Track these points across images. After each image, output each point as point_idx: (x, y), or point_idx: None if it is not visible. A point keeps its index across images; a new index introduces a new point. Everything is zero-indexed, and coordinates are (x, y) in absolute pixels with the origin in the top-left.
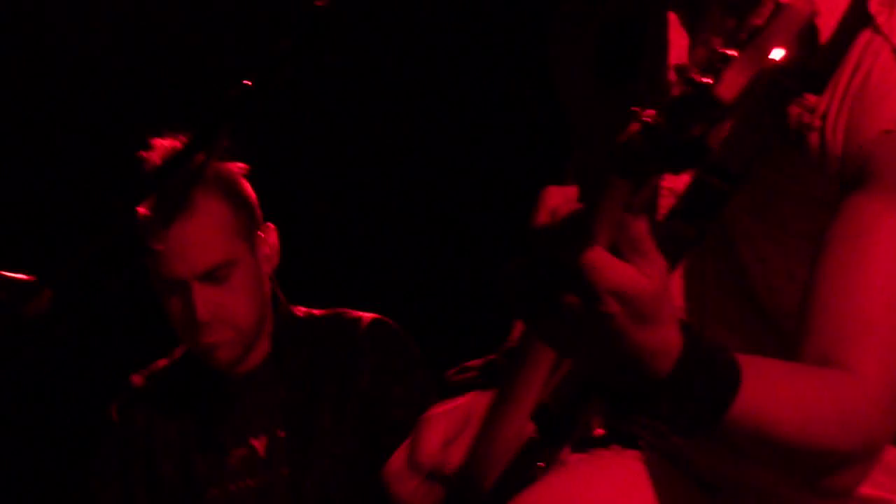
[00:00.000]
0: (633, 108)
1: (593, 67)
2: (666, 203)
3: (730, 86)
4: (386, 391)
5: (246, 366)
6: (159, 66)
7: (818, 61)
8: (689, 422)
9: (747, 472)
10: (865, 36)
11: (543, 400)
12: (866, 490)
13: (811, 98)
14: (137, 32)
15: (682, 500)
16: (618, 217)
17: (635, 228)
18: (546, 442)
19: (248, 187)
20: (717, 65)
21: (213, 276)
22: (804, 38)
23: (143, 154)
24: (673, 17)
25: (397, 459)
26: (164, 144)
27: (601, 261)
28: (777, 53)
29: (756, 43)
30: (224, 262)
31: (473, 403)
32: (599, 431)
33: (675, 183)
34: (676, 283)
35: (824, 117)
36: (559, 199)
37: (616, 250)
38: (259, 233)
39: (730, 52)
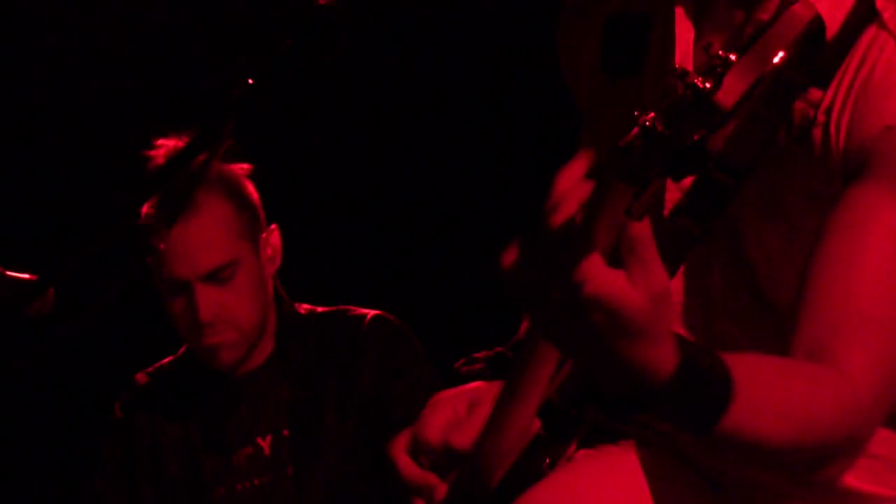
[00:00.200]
0: (633, 112)
1: (599, 61)
2: (671, 198)
3: (729, 92)
4: (389, 388)
5: (250, 365)
6: (163, 65)
7: (824, 57)
8: (676, 434)
9: (742, 471)
10: (871, 31)
11: (549, 396)
12: (871, 486)
13: (816, 93)
14: (140, 31)
15: (688, 497)
16: (618, 220)
17: (636, 233)
18: (552, 439)
19: (251, 188)
20: (717, 69)
21: (216, 276)
22: (810, 36)
23: (147, 153)
24: (679, 11)
25: (402, 439)
26: (168, 144)
27: (593, 271)
28: (777, 58)
29: (756, 48)
30: (227, 262)
31: (480, 390)
32: (605, 425)
33: None
34: (681, 278)
35: (828, 112)
36: (568, 183)
37: (616, 254)
38: (262, 234)
39: (730, 56)
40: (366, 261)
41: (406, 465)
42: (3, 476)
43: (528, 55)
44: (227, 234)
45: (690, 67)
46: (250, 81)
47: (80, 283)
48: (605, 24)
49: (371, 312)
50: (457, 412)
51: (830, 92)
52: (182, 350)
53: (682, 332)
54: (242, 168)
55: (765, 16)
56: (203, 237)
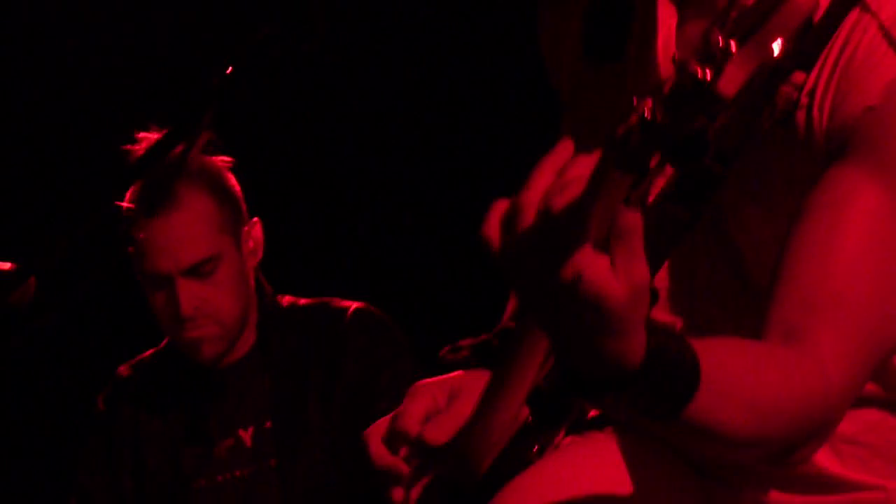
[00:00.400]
0: (628, 99)
1: (581, 44)
2: (656, 184)
3: (730, 81)
4: (372, 380)
5: (232, 357)
6: (141, 55)
7: (809, 40)
8: (642, 418)
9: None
10: (854, 14)
11: (538, 384)
12: (860, 475)
13: (800, 76)
14: (117, 21)
15: (674, 481)
16: (611, 209)
17: (628, 223)
18: (540, 426)
19: (233, 181)
20: (717, 57)
21: (198, 270)
22: (805, 23)
23: (128, 147)
24: None
25: (379, 425)
26: (150, 137)
27: (584, 260)
28: (778, 48)
29: (757, 37)
30: (209, 256)
31: (460, 380)
32: (594, 413)
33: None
34: (666, 263)
35: (811, 94)
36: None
37: (604, 242)
38: (244, 227)
39: (730, 43)
40: (348, 252)
41: (377, 450)
42: None
43: (507, 43)
44: (209, 228)
45: (674, 52)
46: (229, 70)
47: (61, 272)
48: (587, 9)
49: (354, 304)
50: (436, 402)
51: (814, 74)
52: (164, 342)
53: (666, 316)
54: (224, 161)
55: (748, 1)
56: (185, 231)
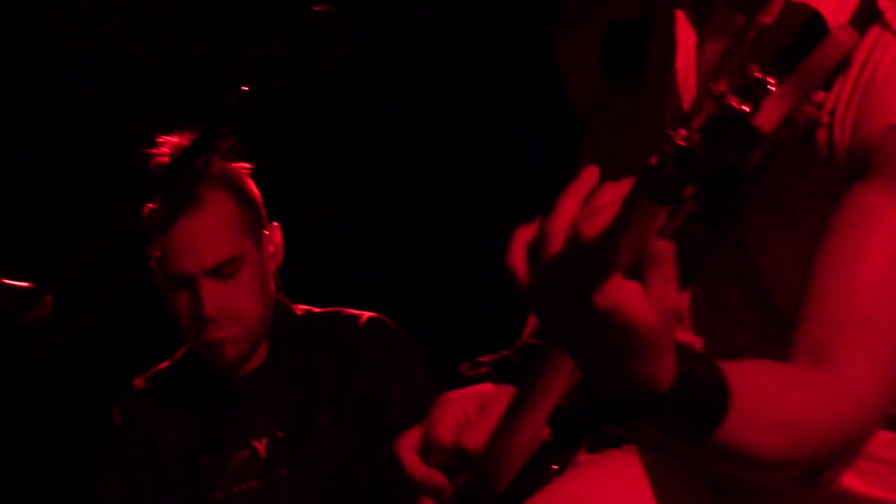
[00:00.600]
0: (662, 128)
1: (600, 66)
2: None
3: (769, 117)
4: (384, 390)
5: (247, 367)
6: (161, 68)
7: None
8: (679, 436)
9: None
10: (874, 32)
11: (560, 403)
12: (881, 493)
13: (820, 94)
14: (139, 34)
15: (692, 500)
16: (641, 238)
17: (661, 249)
18: (561, 445)
19: (252, 186)
20: (753, 91)
21: (221, 271)
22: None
23: (150, 151)
24: (680, 15)
25: (411, 436)
26: (172, 141)
27: (614, 287)
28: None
29: (797, 74)
30: (232, 257)
31: (489, 392)
32: (611, 431)
33: None
34: None
35: (832, 113)
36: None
37: (633, 269)
38: (264, 230)
39: (768, 79)
40: (363, 263)
41: (413, 462)
42: (4, 483)
43: (525, 61)
44: (232, 229)
45: (693, 73)
46: (245, 88)
47: (78, 290)
48: (606, 30)
49: (366, 314)
50: (467, 412)
51: (834, 93)
52: (179, 353)
53: (688, 336)
54: (244, 167)
55: (767, 19)
56: (208, 232)
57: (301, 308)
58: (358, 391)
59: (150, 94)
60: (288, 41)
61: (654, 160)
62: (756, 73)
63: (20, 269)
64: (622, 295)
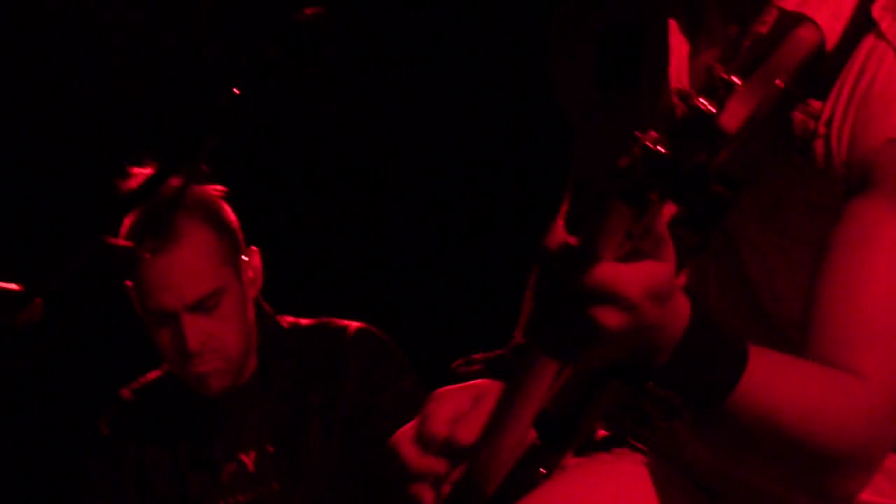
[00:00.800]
0: (632, 130)
1: (592, 72)
2: (667, 210)
3: (733, 116)
4: (373, 400)
5: (235, 381)
6: (146, 77)
7: (823, 68)
8: (700, 393)
9: (749, 470)
10: (869, 41)
11: (545, 406)
12: (867, 496)
13: (815, 104)
14: (124, 42)
15: (682, 503)
16: (621, 241)
17: (660, 225)
18: (548, 448)
19: (229, 211)
20: (720, 91)
21: (203, 305)
22: (813, 57)
23: (120, 181)
24: (673, 23)
25: (406, 432)
26: (142, 172)
27: (620, 271)
28: (781, 84)
29: (760, 72)
30: (213, 290)
31: (482, 386)
32: (601, 434)
33: None
34: None
35: (829, 124)
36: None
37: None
38: (243, 256)
39: (733, 78)
40: (348, 273)
41: (410, 453)
42: None
43: (515, 66)
44: (211, 261)
45: (686, 81)
46: (236, 91)
47: (67, 293)
48: (599, 37)
49: (354, 324)
50: (461, 405)
51: (830, 103)
52: (167, 366)
53: None
54: (217, 190)
55: (763, 29)
56: (188, 267)
57: (288, 320)
58: (348, 402)
59: (138, 98)
60: (277, 45)
61: (624, 162)
62: (722, 73)
63: (9, 272)
64: (638, 271)
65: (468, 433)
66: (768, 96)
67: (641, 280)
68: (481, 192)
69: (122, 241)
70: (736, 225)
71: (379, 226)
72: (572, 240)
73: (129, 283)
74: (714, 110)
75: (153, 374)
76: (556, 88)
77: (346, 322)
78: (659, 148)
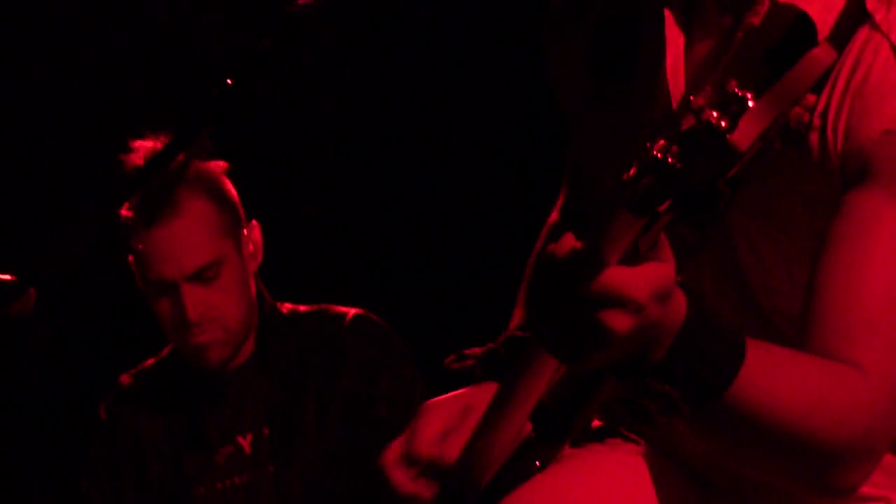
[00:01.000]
0: (637, 121)
1: (587, 64)
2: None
3: (744, 134)
4: (370, 386)
5: (232, 364)
6: (142, 64)
7: None
8: (698, 387)
9: (750, 464)
10: (863, 33)
11: (542, 399)
12: (863, 488)
13: (810, 96)
14: (119, 31)
15: (675, 495)
16: (625, 248)
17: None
18: (543, 441)
19: (230, 186)
20: (732, 107)
21: (202, 276)
22: (805, 39)
23: (124, 156)
24: (668, 15)
25: (394, 450)
26: (145, 146)
27: (627, 275)
28: (793, 106)
29: (774, 91)
30: (212, 261)
31: (472, 395)
32: (595, 424)
33: None
34: None
35: (824, 116)
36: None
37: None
38: (243, 230)
39: (747, 95)
40: (346, 259)
41: (398, 478)
42: None
43: (511, 58)
44: (211, 232)
45: (682, 73)
46: (229, 82)
47: (61, 282)
48: (594, 29)
49: (352, 311)
50: (449, 419)
51: (825, 95)
52: (165, 351)
53: None
54: (219, 165)
55: (755, 20)
56: (187, 237)
57: (287, 306)
58: (345, 387)
59: (132, 89)
60: (272, 35)
61: (631, 171)
62: (735, 89)
63: (2, 262)
64: (646, 274)
65: (454, 453)
66: (780, 116)
67: (648, 282)
68: (480, 178)
69: (123, 212)
70: (730, 217)
71: (376, 214)
72: (577, 244)
73: (130, 257)
74: (725, 125)
75: (152, 360)
76: (551, 80)
77: (344, 308)
78: (669, 159)
